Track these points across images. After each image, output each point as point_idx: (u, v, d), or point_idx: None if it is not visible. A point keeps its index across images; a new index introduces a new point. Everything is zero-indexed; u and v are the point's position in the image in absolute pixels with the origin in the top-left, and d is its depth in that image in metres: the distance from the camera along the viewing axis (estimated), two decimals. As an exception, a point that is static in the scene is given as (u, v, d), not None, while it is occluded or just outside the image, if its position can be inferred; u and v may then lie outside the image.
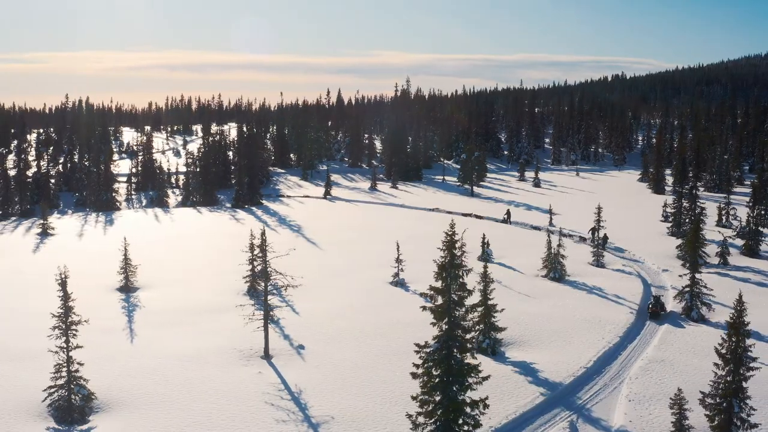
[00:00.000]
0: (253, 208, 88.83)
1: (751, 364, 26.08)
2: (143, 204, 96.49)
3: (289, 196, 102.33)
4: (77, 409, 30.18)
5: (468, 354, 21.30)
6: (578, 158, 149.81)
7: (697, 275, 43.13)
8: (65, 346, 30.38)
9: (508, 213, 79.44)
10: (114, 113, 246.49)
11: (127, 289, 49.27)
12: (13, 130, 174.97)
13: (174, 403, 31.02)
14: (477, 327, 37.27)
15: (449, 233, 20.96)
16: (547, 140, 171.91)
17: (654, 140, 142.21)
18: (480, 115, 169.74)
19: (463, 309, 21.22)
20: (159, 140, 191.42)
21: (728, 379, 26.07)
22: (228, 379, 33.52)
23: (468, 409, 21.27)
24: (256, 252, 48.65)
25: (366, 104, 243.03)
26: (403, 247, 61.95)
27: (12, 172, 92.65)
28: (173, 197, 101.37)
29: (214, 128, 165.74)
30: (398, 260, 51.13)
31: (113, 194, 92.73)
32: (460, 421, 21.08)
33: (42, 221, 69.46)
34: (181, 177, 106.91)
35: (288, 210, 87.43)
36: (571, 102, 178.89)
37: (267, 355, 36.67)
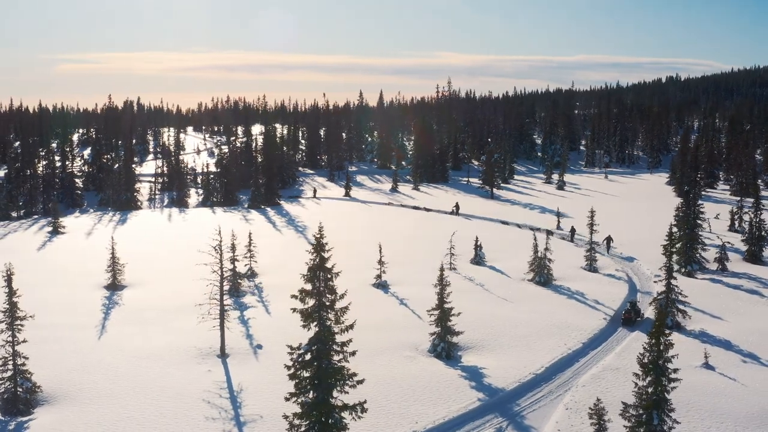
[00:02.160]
0: (268, 208, 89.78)
1: (672, 375, 25.16)
2: (165, 204, 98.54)
3: (307, 197, 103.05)
4: (22, 401, 31.06)
5: (342, 357, 21.16)
6: (611, 161, 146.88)
7: (674, 281, 41.76)
8: (11, 340, 31.29)
9: (457, 205, 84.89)
10: (158, 113, 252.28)
11: (113, 287, 50.29)
12: (58, 130, 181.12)
13: (115, 398, 31.61)
14: (433, 330, 37.10)
15: (317, 236, 20.88)
16: (584, 142, 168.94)
17: (692, 142, 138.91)
18: (516, 117, 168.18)
19: (333, 312, 21.08)
20: (198, 141, 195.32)
21: (649, 390, 25.21)
22: (177, 377, 33.98)
23: (345, 414, 21.16)
24: (235, 252, 49.44)
25: (408, 106, 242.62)
26: (399, 248, 62.14)
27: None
28: (195, 197, 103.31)
29: (256, 129, 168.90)
30: (380, 262, 50.94)
31: (135, 194, 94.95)
32: (331, 422, 20.98)
33: (53, 220, 71.61)
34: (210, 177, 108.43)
35: (301, 211, 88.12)
36: (608, 104, 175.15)
37: (223, 354, 37.03)
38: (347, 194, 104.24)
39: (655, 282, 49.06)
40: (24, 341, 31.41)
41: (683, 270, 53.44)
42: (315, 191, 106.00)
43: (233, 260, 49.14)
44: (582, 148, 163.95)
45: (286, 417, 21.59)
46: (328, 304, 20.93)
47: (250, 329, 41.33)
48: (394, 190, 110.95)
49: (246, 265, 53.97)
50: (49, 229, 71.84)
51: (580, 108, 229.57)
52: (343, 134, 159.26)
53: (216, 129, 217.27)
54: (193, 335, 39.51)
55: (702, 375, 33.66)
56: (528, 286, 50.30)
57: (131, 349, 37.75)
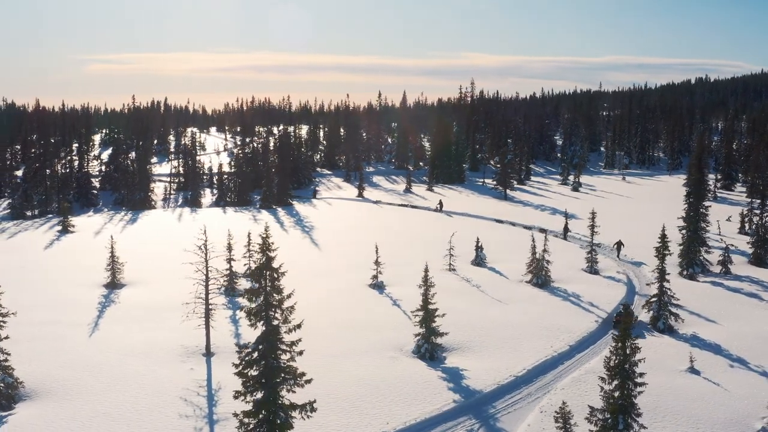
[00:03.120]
0: (279, 208, 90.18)
1: (638, 380, 24.76)
2: (179, 203, 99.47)
3: (320, 198, 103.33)
4: (4, 396, 31.57)
5: (290, 356, 21.19)
6: (631, 162, 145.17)
7: (667, 284, 41.16)
8: (-7, 337, 31.84)
9: (441, 203, 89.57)
10: (185, 114, 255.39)
11: (112, 285, 50.82)
12: (84, 130, 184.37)
13: (95, 394, 31.94)
14: (417, 331, 36.97)
15: (263, 235, 20.92)
16: (605, 143, 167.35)
17: (715, 144, 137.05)
18: (536, 118, 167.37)
19: (280, 311, 21.12)
20: (219, 141, 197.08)
21: (615, 394, 24.84)
22: (159, 374, 34.24)
23: (295, 412, 21.22)
24: (232, 253, 49.72)
25: (431, 107, 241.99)
26: (402, 249, 62.16)
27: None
28: (210, 197, 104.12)
29: (277, 129, 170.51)
30: (377, 262, 50.85)
31: (149, 194, 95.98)
32: (279, 421, 21.02)
33: (62, 218, 72.72)
34: (223, 177, 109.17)
35: (311, 211, 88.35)
36: (630, 105, 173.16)
37: (208, 353, 37.27)
38: (360, 195, 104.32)
39: (647, 285, 48.46)
40: (6, 338, 31.89)
41: (685, 272, 52.69)
42: (315, 192, 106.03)
43: (229, 260, 49.48)
44: (603, 149, 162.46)
45: (236, 415, 21.72)
46: (275, 303, 20.97)
47: (240, 328, 41.51)
48: (407, 190, 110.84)
49: (245, 264, 54.23)
50: (59, 228, 72.92)
51: (607, 109, 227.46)
52: (364, 134, 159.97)
53: (239, 129, 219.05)
54: (182, 334, 39.73)
55: (686, 379, 33.08)
56: (524, 288, 49.87)
57: (119, 347, 38.11)
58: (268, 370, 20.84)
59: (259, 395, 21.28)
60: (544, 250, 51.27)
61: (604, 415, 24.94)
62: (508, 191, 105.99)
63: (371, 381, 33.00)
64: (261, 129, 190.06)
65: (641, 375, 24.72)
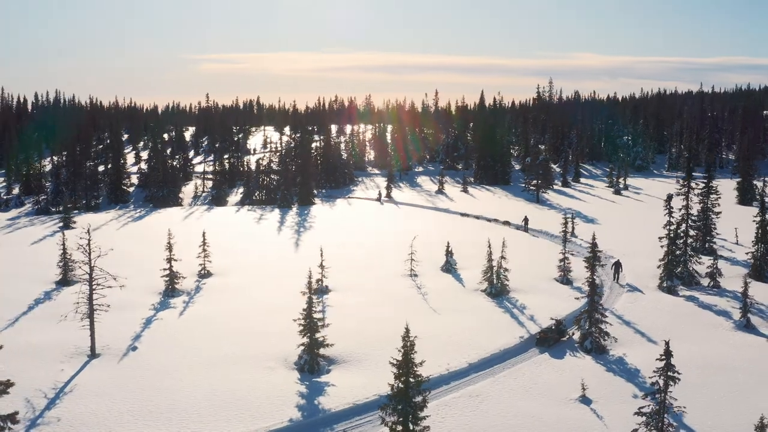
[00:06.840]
0: (294, 208, 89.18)
1: (420, 414, 21.58)
2: (206, 201, 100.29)
3: (349, 197, 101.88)
4: None
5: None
6: (694, 165, 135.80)
7: (599, 299, 36.81)
8: None
9: (380, 194, 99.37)
10: (270, 112, 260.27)
11: (64, 282, 50.89)
12: (158, 129, 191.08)
13: (-51, 393, 31.39)
14: (301, 342, 34.56)
15: None
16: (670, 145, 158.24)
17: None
18: (602, 119, 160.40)
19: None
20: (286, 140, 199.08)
21: (398, 428, 21.75)
22: (27, 374, 33.04)
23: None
24: (172, 253, 48.68)
25: (505, 107, 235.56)
26: (378, 251, 59.93)
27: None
28: (238, 195, 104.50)
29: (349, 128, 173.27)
30: (321, 266, 48.48)
31: (176, 191, 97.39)
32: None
33: (64, 215, 74.32)
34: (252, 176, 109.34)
35: (324, 211, 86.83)
36: (702, 106, 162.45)
37: (93, 354, 36.25)
38: (388, 195, 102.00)
39: (577, 299, 43.66)
40: None
41: (664, 285, 47.62)
42: (386, 193, 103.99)
43: (169, 260, 48.56)
44: (674, 150, 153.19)
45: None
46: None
47: (146, 330, 40.36)
48: (439, 191, 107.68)
49: (200, 264, 53.30)
50: (60, 224, 74.48)
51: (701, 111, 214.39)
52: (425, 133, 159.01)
53: (313, 129, 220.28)
54: (84, 334, 38.64)
55: (570, 410, 29.08)
56: (474, 297, 46.25)
57: (16, 344, 37.38)
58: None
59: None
60: (502, 257, 47.50)
61: (392, 450, 21.93)
62: (545, 193, 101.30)
63: (224, 393, 30.88)
64: (333, 128, 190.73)
65: (424, 407, 21.57)
